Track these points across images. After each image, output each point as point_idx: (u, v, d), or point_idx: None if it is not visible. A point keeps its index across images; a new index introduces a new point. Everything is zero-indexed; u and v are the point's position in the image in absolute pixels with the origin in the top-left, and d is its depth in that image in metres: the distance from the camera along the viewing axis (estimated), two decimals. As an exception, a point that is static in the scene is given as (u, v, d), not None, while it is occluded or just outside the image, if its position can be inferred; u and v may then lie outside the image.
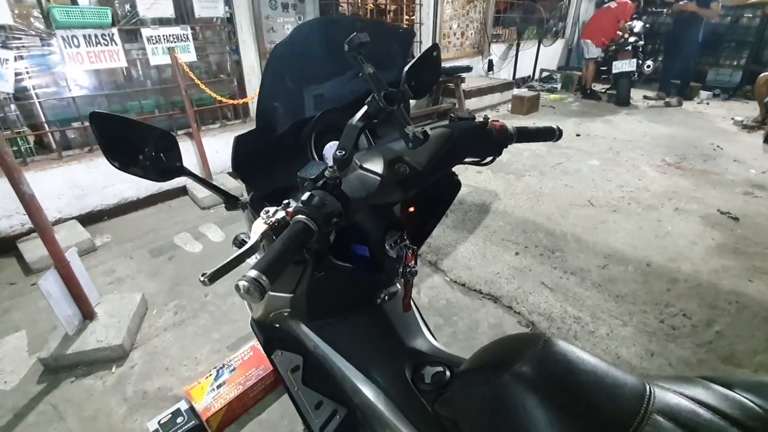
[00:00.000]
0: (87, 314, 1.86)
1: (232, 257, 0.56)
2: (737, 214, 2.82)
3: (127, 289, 2.28)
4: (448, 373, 0.96)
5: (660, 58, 6.63)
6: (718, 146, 4.31)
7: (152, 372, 1.78)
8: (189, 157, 3.28)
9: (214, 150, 3.37)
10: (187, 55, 2.97)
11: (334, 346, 1.05)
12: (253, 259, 0.68)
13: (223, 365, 1.65)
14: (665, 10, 7.12)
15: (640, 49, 6.02)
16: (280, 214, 0.62)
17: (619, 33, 6.05)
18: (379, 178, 0.71)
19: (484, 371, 0.75)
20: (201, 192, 3.17)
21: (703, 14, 5.83)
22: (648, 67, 6.12)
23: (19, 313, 2.13)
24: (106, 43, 2.66)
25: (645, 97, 6.59)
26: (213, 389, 1.55)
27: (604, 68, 6.48)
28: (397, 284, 1.04)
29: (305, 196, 0.59)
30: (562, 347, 0.66)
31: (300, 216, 0.57)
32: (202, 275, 0.54)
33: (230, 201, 0.97)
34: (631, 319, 1.99)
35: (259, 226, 0.61)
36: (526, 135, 0.94)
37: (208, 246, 2.69)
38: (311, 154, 0.88)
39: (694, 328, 1.92)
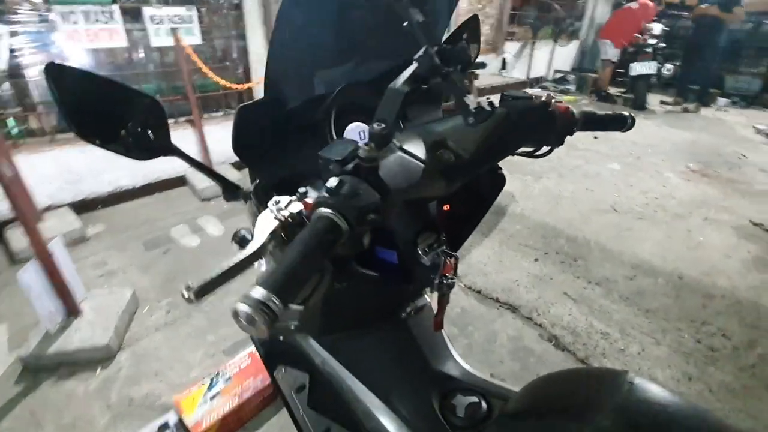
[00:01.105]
0: (71, 310, 1.70)
1: (228, 265, 0.40)
2: (771, 226, 2.65)
3: (117, 283, 2.13)
4: (484, 404, 0.80)
5: (678, 63, 6.43)
6: (742, 155, 4.13)
7: (140, 376, 1.62)
8: (190, 145, 3.11)
9: (216, 139, 3.20)
10: (192, 38, 2.80)
11: (346, 365, 0.90)
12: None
13: (218, 373, 1.49)
14: (685, 13, 6.91)
15: (660, 52, 5.83)
16: (295, 206, 0.46)
17: (638, 35, 5.85)
18: (422, 165, 0.54)
19: (547, 417, 0.58)
20: (201, 182, 3.02)
21: (726, 19, 5.63)
22: (668, 70, 5.93)
23: (2, 306, 1.98)
24: (105, 21, 2.50)
25: (662, 102, 6.39)
26: (206, 401, 1.40)
27: (621, 70, 6.28)
28: (426, 297, 0.88)
29: (332, 182, 0.43)
30: (656, 394, 0.49)
31: (324, 210, 0.41)
32: (186, 289, 0.38)
33: (229, 190, 0.81)
34: (665, 337, 1.82)
35: (267, 222, 0.45)
36: (593, 121, 0.77)
37: (207, 240, 2.53)
38: (330, 136, 0.71)
39: (736, 350, 1.75)
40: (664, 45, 5.86)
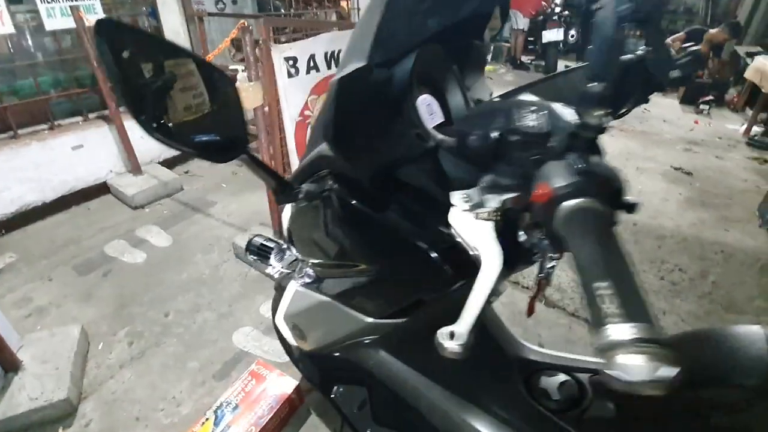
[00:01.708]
0: (9, 365, 1.37)
1: (483, 296, 0.29)
2: (688, 169, 3.01)
3: (54, 321, 1.76)
4: (573, 381, 0.77)
5: (578, 30, 6.98)
6: (646, 109, 4.63)
7: (117, 427, 1.37)
8: (108, 146, 2.66)
9: (139, 135, 2.77)
10: (93, 16, 2.34)
11: (415, 367, 0.81)
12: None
13: (221, 404, 1.30)
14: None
15: (564, 20, 6.28)
16: (493, 200, 0.36)
17: (544, 3, 6.23)
18: None
19: (685, 384, 0.55)
20: (130, 187, 2.60)
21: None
22: (572, 36, 6.42)
23: None
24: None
25: (566, 67, 6.94)
26: (215, 437, 1.22)
27: (531, 39, 6.66)
28: (505, 282, 0.82)
29: (576, 161, 0.33)
30: None
31: (581, 200, 0.31)
32: (450, 337, 0.27)
33: (285, 190, 0.66)
34: (635, 279, 1.99)
35: (475, 227, 0.34)
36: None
37: (154, 253, 2.21)
38: (414, 110, 0.59)
39: (692, 281, 1.97)
40: (567, 13, 6.31)
